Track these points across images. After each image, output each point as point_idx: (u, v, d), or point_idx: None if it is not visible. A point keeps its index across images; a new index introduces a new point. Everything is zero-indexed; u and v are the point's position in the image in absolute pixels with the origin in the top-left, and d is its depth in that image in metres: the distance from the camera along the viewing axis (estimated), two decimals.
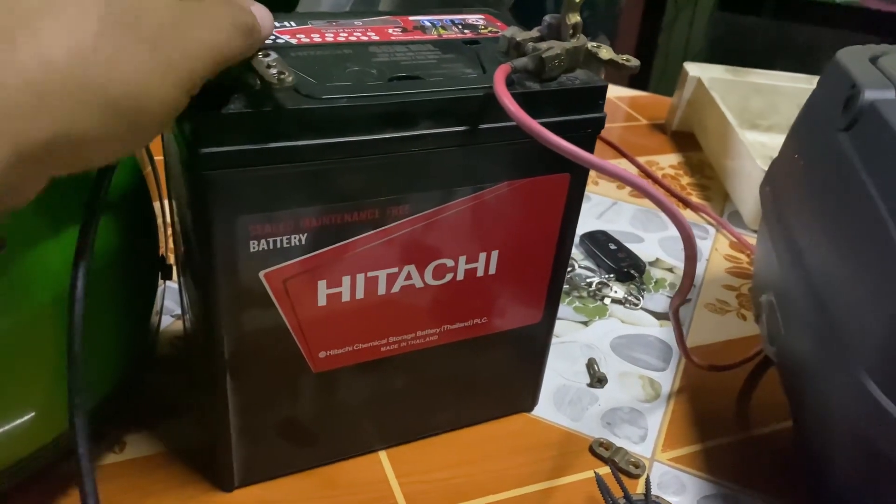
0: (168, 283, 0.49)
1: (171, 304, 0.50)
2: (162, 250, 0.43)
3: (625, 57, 0.35)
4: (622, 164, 0.76)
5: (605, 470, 0.41)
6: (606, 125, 0.84)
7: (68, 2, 0.20)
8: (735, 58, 0.98)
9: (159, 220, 0.44)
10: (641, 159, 0.77)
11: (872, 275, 0.32)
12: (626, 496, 0.38)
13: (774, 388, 0.48)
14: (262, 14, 0.28)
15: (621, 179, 0.29)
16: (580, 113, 0.34)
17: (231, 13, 0.26)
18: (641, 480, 0.41)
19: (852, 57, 0.43)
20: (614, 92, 0.95)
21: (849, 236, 0.35)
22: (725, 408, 0.47)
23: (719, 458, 0.43)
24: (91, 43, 0.20)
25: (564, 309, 0.54)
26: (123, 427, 0.41)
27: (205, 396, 0.37)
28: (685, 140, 0.83)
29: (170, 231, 0.44)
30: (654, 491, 0.41)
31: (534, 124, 0.29)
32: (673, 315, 0.39)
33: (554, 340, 0.51)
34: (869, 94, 0.37)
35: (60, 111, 0.20)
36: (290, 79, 0.28)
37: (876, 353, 0.31)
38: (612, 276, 0.58)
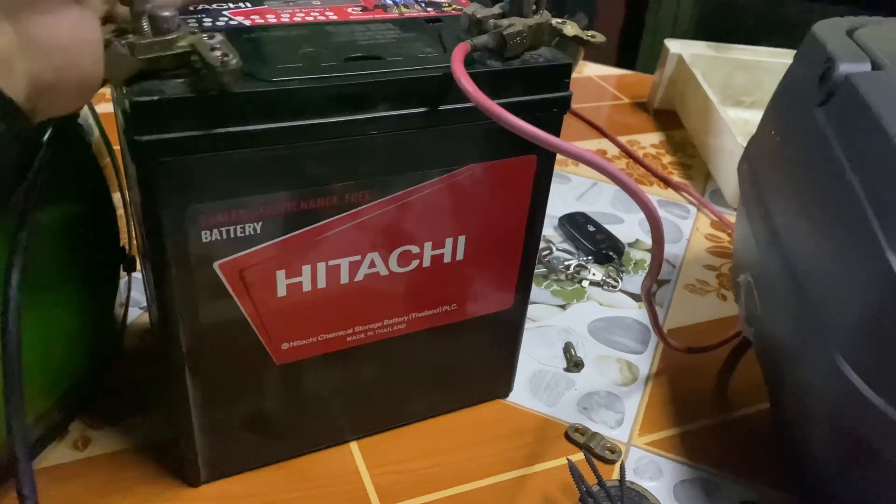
0: (136, 274, 0.48)
1: (140, 297, 0.49)
2: (124, 241, 0.42)
3: (590, 33, 0.34)
4: (602, 144, 0.75)
5: (579, 456, 0.41)
6: (588, 104, 0.82)
7: None
8: (724, 35, 0.96)
9: (120, 211, 0.42)
10: (623, 138, 0.76)
11: (846, 254, 0.31)
12: (600, 483, 0.37)
13: (754, 370, 0.47)
14: None
15: (582, 160, 0.28)
16: (545, 92, 0.33)
17: None
18: (617, 466, 0.40)
19: (829, 30, 0.42)
20: (596, 70, 0.94)
21: (824, 215, 0.34)
22: (704, 390, 0.46)
23: (697, 442, 0.43)
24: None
25: (542, 292, 0.53)
26: (87, 423, 0.40)
27: (167, 390, 0.36)
28: (667, 118, 0.81)
29: (133, 222, 0.43)
30: (630, 476, 0.40)
31: (491, 105, 0.28)
32: (645, 297, 0.38)
33: (530, 325, 0.50)
34: (844, 68, 0.36)
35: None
36: (235, 61, 0.26)
37: (850, 335, 0.31)
38: (590, 258, 0.57)
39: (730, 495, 0.40)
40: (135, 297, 0.49)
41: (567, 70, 0.33)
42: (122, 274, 0.42)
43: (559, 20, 0.34)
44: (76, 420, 0.40)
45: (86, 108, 0.40)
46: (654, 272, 0.34)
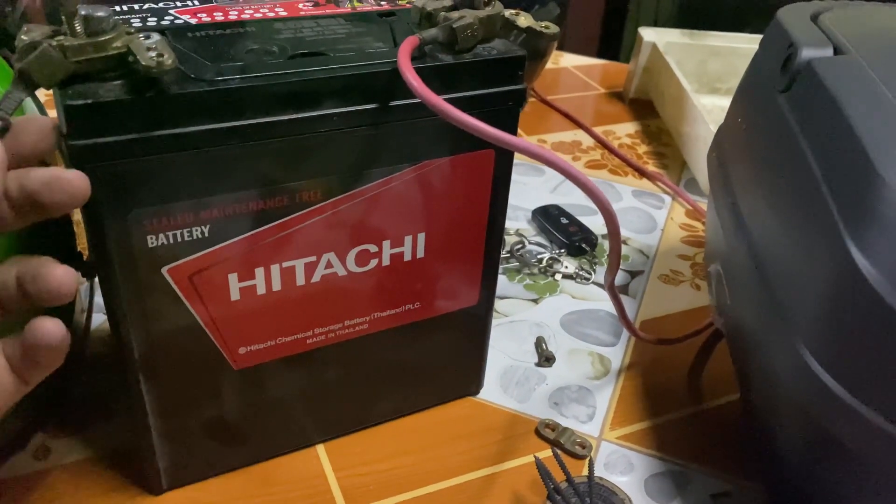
0: None
1: None
2: (82, 247, 0.41)
3: (544, 24, 0.33)
4: (578, 135, 0.74)
5: (548, 453, 0.40)
6: (564, 95, 0.82)
7: None
8: (707, 21, 0.95)
9: (77, 216, 0.42)
10: (598, 129, 0.76)
11: (808, 244, 0.31)
12: (568, 479, 0.36)
13: (727, 360, 0.47)
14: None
15: (531, 155, 0.28)
16: (498, 85, 0.32)
17: None
18: (588, 462, 0.40)
19: (792, 15, 0.41)
20: (572, 61, 0.93)
21: (786, 203, 0.34)
22: (676, 382, 0.46)
23: (669, 435, 0.42)
24: None
25: (514, 287, 0.53)
26: (48, 432, 0.39)
27: (125, 397, 0.36)
28: (643, 107, 0.81)
29: None
30: (601, 471, 0.40)
31: (436, 99, 0.27)
32: (609, 291, 0.37)
33: (503, 320, 0.49)
34: (806, 53, 0.36)
35: None
36: (170, 61, 0.26)
37: (814, 326, 0.30)
38: (563, 250, 0.56)
39: (701, 488, 0.39)
40: (99, 303, 0.48)
41: (521, 62, 0.33)
42: (83, 280, 0.42)
43: (512, 11, 0.33)
44: (35, 429, 0.40)
45: (38, 113, 0.39)
46: (614, 265, 0.34)
